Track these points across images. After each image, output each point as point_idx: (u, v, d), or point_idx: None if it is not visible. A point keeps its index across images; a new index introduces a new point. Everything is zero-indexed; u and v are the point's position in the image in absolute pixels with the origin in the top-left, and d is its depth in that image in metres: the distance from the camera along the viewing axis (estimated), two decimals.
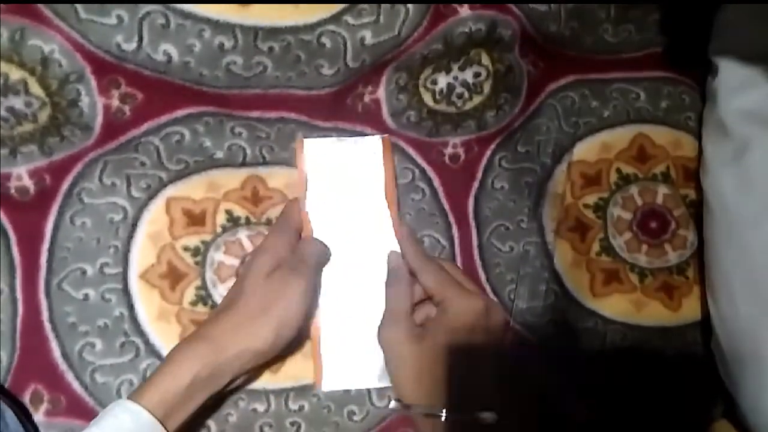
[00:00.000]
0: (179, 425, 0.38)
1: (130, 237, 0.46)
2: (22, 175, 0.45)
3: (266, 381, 0.46)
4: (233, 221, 0.47)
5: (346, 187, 0.48)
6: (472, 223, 0.51)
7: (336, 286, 0.47)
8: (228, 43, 0.45)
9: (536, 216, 0.52)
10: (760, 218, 0.46)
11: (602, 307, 0.52)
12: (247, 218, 0.48)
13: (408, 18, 0.47)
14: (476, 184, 0.52)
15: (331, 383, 0.46)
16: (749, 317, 0.46)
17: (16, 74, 0.43)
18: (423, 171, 0.51)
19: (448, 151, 0.52)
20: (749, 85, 0.48)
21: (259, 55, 0.46)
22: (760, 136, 0.47)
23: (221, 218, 0.47)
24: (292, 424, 0.46)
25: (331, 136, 0.49)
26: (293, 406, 0.46)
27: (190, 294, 0.46)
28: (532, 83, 0.54)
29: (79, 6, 0.43)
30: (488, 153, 0.52)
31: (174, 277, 0.46)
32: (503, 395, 0.43)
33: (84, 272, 0.45)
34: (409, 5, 0.47)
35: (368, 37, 0.47)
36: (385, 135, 0.49)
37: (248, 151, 0.48)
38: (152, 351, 0.45)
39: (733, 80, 0.49)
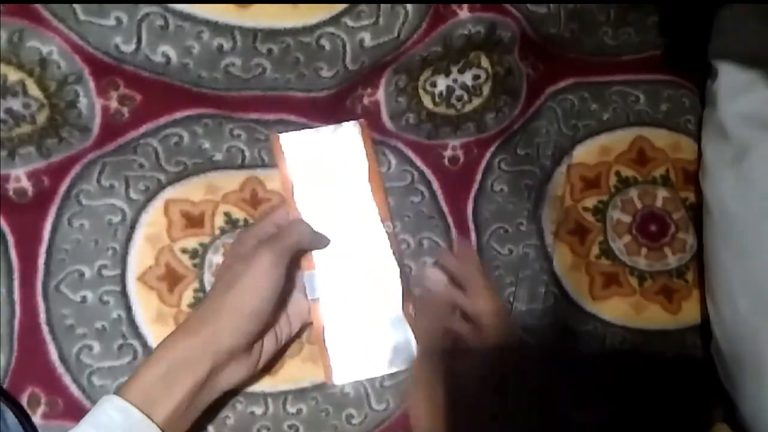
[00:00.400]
0: (168, 414, 0.37)
1: (129, 239, 0.46)
2: (20, 177, 0.44)
3: (264, 384, 0.46)
4: (232, 223, 0.47)
5: (330, 175, 0.48)
6: (472, 226, 0.51)
7: (332, 277, 0.47)
8: (227, 45, 0.45)
9: (535, 219, 0.52)
10: (759, 221, 0.46)
11: (602, 310, 0.52)
12: (246, 220, 0.47)
13: (407, 20, 0.47)
14: (475, 187, 0.52)
15: (342, 376, 0.46)
16: (749, 320, 0.45)
17: (14, 75, 0.43)
18: (422, 173, 0.51)
19: (448, 153, 0.52)
20: (749, 89, 0.48)
21: (258, 57, 0.46)
22: (760, 139, 0.46)
23: (220, 220, 0.47)
24: (290, 427, 0.46)
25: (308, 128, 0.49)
26: (291, 409, 0.46)
27: (188, 296, 0.46)
28: (531, 86, 0.54)
29: (77, 7, 0.43)
30: (488, 155, 0.52)
31: (172, 279, 0.46)
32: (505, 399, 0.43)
33: (82, 274, 0.45)
34: (409, 7, 0.47)
35: (367, 39, 0.47)
36: (361, 119, 0.49)
37: (247, 153, 0.48)
38: (150, 353, 0.44)
39: (733, 83, 0.49)
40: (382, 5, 0.46)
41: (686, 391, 0.51)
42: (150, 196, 0.46)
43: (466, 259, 0.49)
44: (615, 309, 0.52)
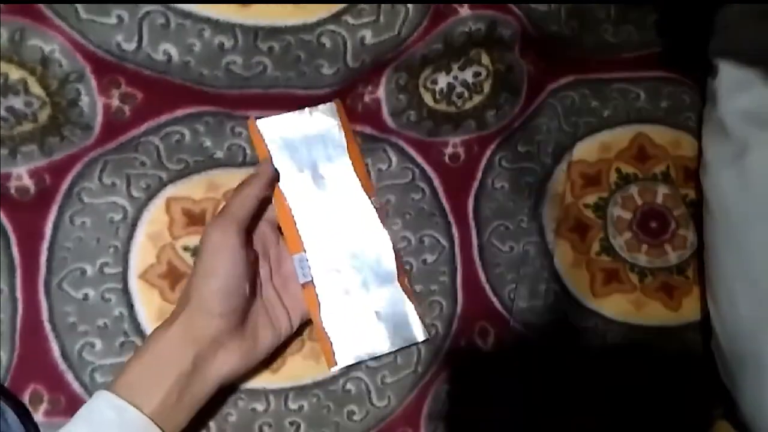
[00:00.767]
0: (156, 407, 0.37)
1: (130, 237, 0.46)
2: (22, 175, 0.45)
3: (266, 381, 0.46)
4: None
5: (310, 156, 0.48)
6: (472, 223, 0.51)
7: (323, 258, 0.46)
8: (228, 43, 0.45)
9: (536, 216, 0.52)
10: (760, 218, 0.46)
11: (602, 307, 0.52)
12: None
13: (408, 18, 0.47)
14: (476, 184, 0.52)
15: (343, 359, 0.46)
16: (749, 317, 0.46)
17: (16, 74, 0.43)
18: (423, 171, 0.51)
19: (448, 150, 0.52)
20: (749, 86, 0.48)
21: (259, 55, 0.46)
22: (760, 136, 0.47)
23: None
24: (292, 423, 0.46)
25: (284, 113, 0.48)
26: (293, 405, 0.46)
27: None
28: (532, 83, 0.54)
29: (79, 6, 0.43)
30: (488, 153, 0.52)
31: (174, 277, 0.46)
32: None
33: (84, 272, 0.45)
34: (409, 5, 0.47)
35: (368, 36, 0.47)
36: (337, 99, 0.49)
37: (248, 151, 0.48)
38: None
39: (733, 81, 0.49)
40: (383, 3, 0.46)
41: (686, 388, 0.51)
42: (151, 194, 0.46)
43: None
44: (616, 306, 0.52)
